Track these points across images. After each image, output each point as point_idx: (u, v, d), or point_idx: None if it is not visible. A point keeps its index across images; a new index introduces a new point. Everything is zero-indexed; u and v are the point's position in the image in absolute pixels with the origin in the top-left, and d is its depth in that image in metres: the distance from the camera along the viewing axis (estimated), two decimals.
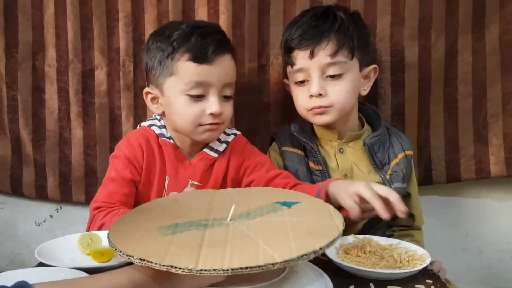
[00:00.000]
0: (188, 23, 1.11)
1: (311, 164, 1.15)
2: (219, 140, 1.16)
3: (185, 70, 1.04)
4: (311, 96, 1.10)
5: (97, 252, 0.83)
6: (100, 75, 1.47)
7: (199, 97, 1.06)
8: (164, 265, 0.59)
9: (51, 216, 1.61)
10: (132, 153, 1.11)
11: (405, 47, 1.34)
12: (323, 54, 1.08)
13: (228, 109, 1.10)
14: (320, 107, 1.10)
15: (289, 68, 1.17)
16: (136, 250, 0.63)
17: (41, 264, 0.81)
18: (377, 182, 1.04)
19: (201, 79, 1.04)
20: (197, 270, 0.58)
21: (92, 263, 0.82)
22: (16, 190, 1.55)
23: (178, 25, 1.09)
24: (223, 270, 0.58)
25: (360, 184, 0.88)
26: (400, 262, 0.81)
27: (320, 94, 1.09)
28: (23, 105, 1.51)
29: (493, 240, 1.49)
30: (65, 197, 1.53)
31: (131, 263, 0.68)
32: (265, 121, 1.43)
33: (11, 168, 1.54)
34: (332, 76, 1.09)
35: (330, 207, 0.79)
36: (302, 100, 1.14)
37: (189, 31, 1.06)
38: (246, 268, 0.58)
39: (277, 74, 1.41)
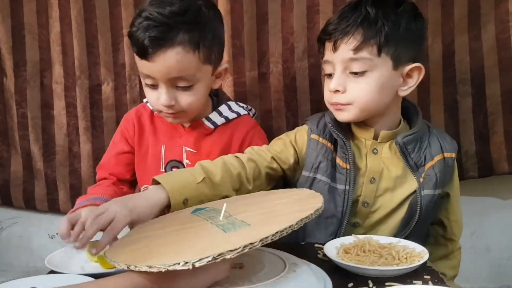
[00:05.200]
0: (151, 8, 1.02)
1: (338, 161, 1.07)
2: (220, 113, 1.16)
3: (137, 61, 1.07)
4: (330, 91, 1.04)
5: (104, 259, 0.86)
6: (107, 90, 1.52)
7: (153, 86, 1.06)
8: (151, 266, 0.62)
9: None
10: (126, 128, 1.20)
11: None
12: (346, 48, 0.99)
13: (184, 98, 1.06)
14: (337, 103, 1.03)
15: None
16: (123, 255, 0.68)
17: (51, 273, 0.84)
18: (412, 186, 1.04)
19: (146, 72, 1.05)
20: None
21: (100, 269, 0.85)
22: (28, 204, 1.60)
23: (142, 11, 1.03)
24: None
25: None
26: (399, 259, 0.83)
27: (338, 91, 1.01)
28: (32, 122, 1.56)
29: (500, 238, 1.50)
30: None
31: None
32: (267, 128, 1.46)
33: (23, 183, 1.59)
34: (355, 73, 1.00)
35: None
36: (326, 93, 1.07)
37: (140, 21, 1.01)
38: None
39: (277, 81, 1.44)
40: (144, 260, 0.65)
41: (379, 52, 0.98)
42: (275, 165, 1.06)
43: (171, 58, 1.01)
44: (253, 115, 1.24)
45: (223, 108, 1.16)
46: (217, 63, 1.10)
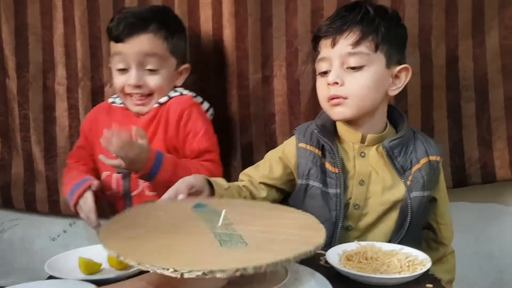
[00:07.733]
0: (128, 10, 1.32)
1: (328, 165, 1.09)
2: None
3: (111, 47, 1.27)
4: (329, 84, 1.06)
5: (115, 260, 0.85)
6: (109, 92, 1.51)
7: (123, 70, 1.25)
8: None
9: (64, 231, 1.64)
10: (83, 124, 1.38)
11: (406, 55, 1.36)
12: (345, 43, 1.05)
13: (152, 81, 1.25)
14: (336, 96, 1.05)
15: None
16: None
17: (51, 277, 0.84)
18: (401, 189, 1.07)
19: (119, 55, 1.24)
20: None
21: (100, 275, 0.84)
22: (29, 206, 1.59)
23: (119, 12, 1.31)
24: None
25: None
26: (401, 267, 0.82)
27: (336, 83, 1.04)
28: (34, 123, 1.56)
29: (503, 244, 1.49)
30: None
31: (140, 273, 0.71)
32: (271, 132, 1.46)
33: (24, 185, 1.58)
34: (353, 68, 1.04)
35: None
36: (322, 90, 1.10)
37: (118, 16, 1.27)
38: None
39: (281, 85, 1.44)
40: (134, 252, 0.64)
41: (376, 48, 1.04)
42: (264, 192, 1.13)
43: (144, 41, 1.23)
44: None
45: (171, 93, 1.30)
46: (181, 60, 1.30)
